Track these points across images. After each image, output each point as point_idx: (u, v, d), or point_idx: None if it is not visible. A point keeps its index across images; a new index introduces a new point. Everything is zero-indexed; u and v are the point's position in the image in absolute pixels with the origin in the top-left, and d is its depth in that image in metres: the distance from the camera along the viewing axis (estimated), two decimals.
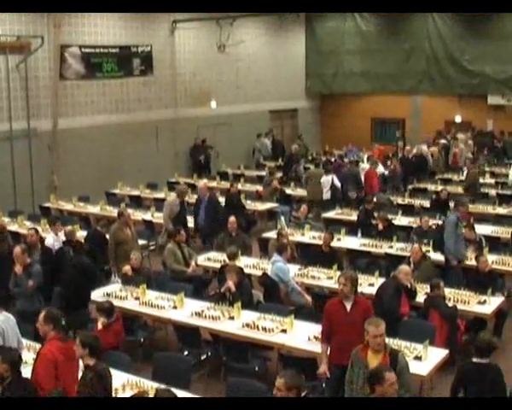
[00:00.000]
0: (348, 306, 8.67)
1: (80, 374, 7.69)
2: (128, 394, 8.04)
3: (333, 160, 24.48)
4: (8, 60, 20.47)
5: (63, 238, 13.81)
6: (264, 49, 29.30)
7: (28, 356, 9.01)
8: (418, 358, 9.18)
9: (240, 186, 21.29)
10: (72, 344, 7.86)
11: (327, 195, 19.59)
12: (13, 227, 17.04)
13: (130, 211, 16.37)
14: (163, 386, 7.56)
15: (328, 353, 8.87)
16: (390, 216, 16.17)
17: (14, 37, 20.45)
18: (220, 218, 16.04)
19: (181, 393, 8.19)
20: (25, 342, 9.49)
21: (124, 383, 8.52)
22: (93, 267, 12.50)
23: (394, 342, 9.34)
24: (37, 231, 13.58)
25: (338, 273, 12.17)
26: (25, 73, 20.93)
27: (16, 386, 7.26)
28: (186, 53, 26.01)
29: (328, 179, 19.68)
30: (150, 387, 8.29)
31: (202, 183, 17.02)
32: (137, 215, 17.83)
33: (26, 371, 8.28)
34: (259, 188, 21.28)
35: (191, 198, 18.50)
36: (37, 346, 8.99)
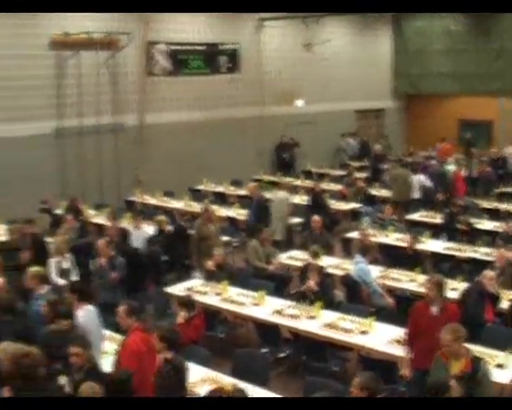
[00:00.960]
0: (434, 310, 8.55)
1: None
2: (205, 389, 8.05)
3: (421, 160, 24.16)
4: (98, 56, 20.86)
5: (148, 232, 14.00)
6: (350, 48, 29.11)
7: (110, 347, 9.14)
8: (500, 365, 8.95)
9: (324, 185, 21.18)
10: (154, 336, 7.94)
11: (416, 195, 19.39)
12: (98, 220, 17.35)
13: (214, 207, 16.47)
14: (239, 385, 7.54)
15: (411, 356, 8.75)
16: (475, 220, 15.85)
17: (104, 33, 20.81)
18: (266, 219, 15.89)
19: (259, 390, 8.19)
20: (107, 333, 9.62)
21: (202, 378, 8.56)
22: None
23: (476, 349, 9.12)
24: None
25: (420, 276, 12.02)
26: (113, 69, 21.30)
27: (92, 375, 7.34)
28: (272, 51, 26.01)
29: (417, 179, 19.50)
30: (228, 383, 8.29)
31: (252, 184, 16.85)
32: (221, 212, 17.91)
33: (107, 361, 8.41)
34: (343, 187, 21.13)
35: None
36: (119, 337, 9.11)
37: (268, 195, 17.60)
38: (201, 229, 14.20)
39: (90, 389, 6.54)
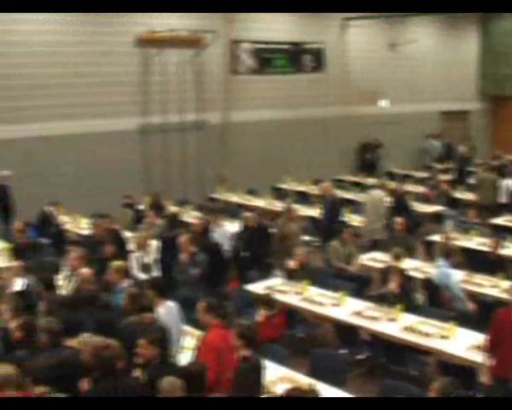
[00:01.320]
0: None
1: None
2: (283, 388, 8.07)
3: (508, 164, 23.68)
4: (182, 54, 21.11)
5: (229, 230, 14.10)
6: (436, 49, 28.73)
7: (189, 342, 9.25)
8: None
9: (407, 187, 20.96)
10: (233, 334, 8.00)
11: (502, 199, 19.05)
12: (181, 216, 17.57)
13: (295, 206, 16.49)
14: (316, 386, 7.54)
15: (492, 364, 8.62)
16: None
17: (189, 31, 21.04)
18: (339, 220, 15.74)
19: (336, 391, 8.18)
20: (186, 328, 9.74)
21: (280, 377, 8.58)
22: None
23: None
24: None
25: (504, 282, 11.80)
26: (198, 67, 21.51)
27: (161, 368, 7.46)
28: (357, 51, 25.87)
29: (505, 184, 19.18)
30: (305, 383, 8.29)
31: (325, 183, 16.71)
32: (303, 211, 17.89)
33: (186, 357, 8.52)
34: (427, 190, 20.89)
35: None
36: (198, 333, 9.21)
37: (360, 195, 17.47)
38: (283, 228, 14.25)
39: (169, 385, 6.61)
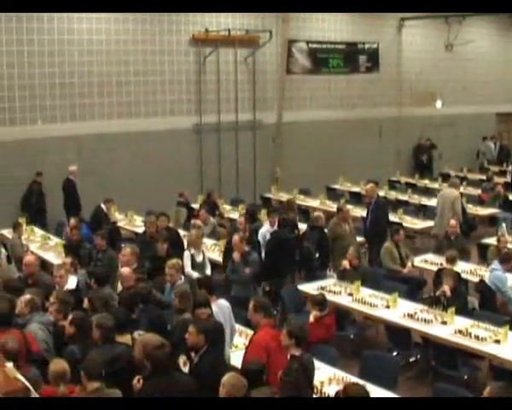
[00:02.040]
0: None
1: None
2: (333, 388, 8.07)
3: None
4: (237, 53, 21.23)
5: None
6: (493, 50, 28.38)
7: (240, 341, 9.31)
8: None
9: (462, 189, 20.72)
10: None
11: None
12: (232, 215, 17.65)
13: (349, 207, 16.45)
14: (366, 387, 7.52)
15: None
16: None
17: (244, 31, 21.13)
18: (384, 222, 15.38)
19: (386, 393, 8.15)
20: (238, 327, 9.79)
21: (330, 377, 8.58)
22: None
23: None
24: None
25: None
26: (252, 66, 21.60)
27: (208, 357, 7.53)
28: (412, 51, 25.69)
29: None
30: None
31: (369, 186, 16.51)
32: (356, 212, 17.79)
33: (237, 355, 8.57)
34: (482, 192, 20.65)
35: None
36: (249, 331, 9.26)
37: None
38: (335, 228, 14.23)
39: (235, 380, 6.65)
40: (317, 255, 13.94)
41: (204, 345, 7.70)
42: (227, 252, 12.78)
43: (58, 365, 7.11)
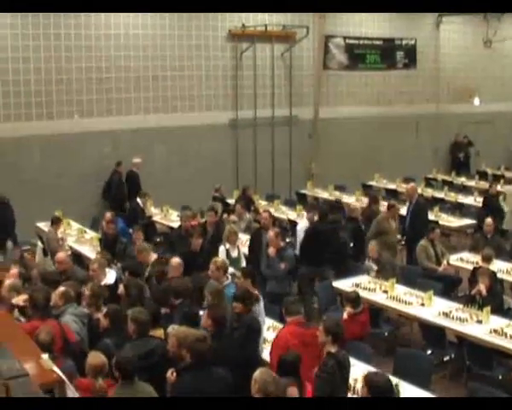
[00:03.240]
0: None
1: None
2: None
3: None
4: (274, 49, 21.24)
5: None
6: None
7: (270, 335, 9.31)
8: None
9: (499, 187, 20.54)
10: (313, 330, 8.03)
11: None
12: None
13: (384, 204, 16.38)
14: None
15: None
16: None
17: (281, 26, 21.11)
18: (424, 223, 15.04)
19: (420, 392, 8.12)
20: (270, 322, 9.79)
21: (364, 375, 8.55)
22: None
23: None
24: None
25: None
26: (289, 62, 21.60)
27: (215, 339, 7.60)
28: (450, 48, 25.51)
29: None
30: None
31: (410, 185, 16.30)
32: None
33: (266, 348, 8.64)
34: None
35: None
36: (281, 327, 9.27)
37: None
38: (383, 223, 14.14)
39: (266, 375, 6.67)
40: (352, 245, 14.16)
41: (214, 329, 7.90)
42: (252, 246, 12.94)
43: (97, 358, 7.19)
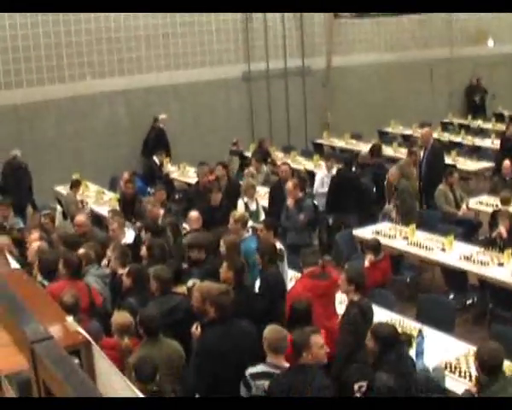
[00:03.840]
0: None
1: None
2: None
3: None
4: None
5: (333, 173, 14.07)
6: None
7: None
8: None
9: None
10: (328, 281, 8.09)
11: None
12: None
13: (401, 150, 16.30)
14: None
15: None
16: None
17: None
18: (440, 168, 14.89)
19: (444, 336, 8.14)
20: (293, 274, 9.82)
21: (387, 321, 8.55)
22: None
23: None
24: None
25: None
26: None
27: (238, 292, 7.61)
28: None
29: None
30: (413, 328, 8.29)
31: (425, 130, 16.04)
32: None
33: None
34: None
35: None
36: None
37: None
38: (406, 168, 14.04)
39: (275, 333, 6.69)
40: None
41: (232, 282, 7.91)
42: (272, 199, 12.95)
43: (123, 317, 7.24)
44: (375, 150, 15.65)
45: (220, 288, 7.31)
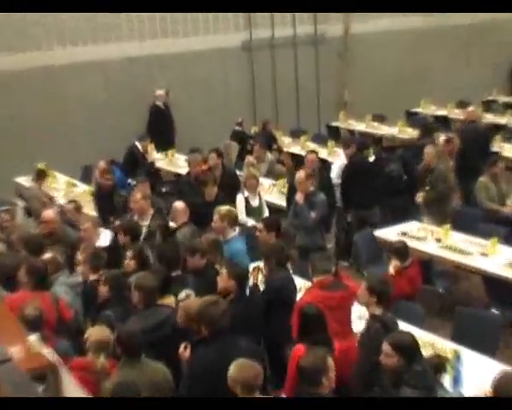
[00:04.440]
0: None
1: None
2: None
3: None
4: None
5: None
6: None
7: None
8: None
9: None
10: (341, 292, 8.11)
11: None
12: (293, 149, 17.69)
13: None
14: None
15: None
16: None
17: None
18: (484, 154, 14.94)
19: (485, 360, 8.11)
20: (301, 282, 9.73)
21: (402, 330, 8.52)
22: None
23: None
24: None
25: None
26: None
27: (239, 305, 7.69)
28: None
29: None
30: (448, 349, 8.26)
31: (470, 109, 15.97)
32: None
33: None
34: None
35: None
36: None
37: None
38: (442, 153, 14.02)
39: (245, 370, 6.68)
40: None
41: (234, 291, 7.97)
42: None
43: (101, 332, 7.25)
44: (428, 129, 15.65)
45: (206, 299, 7.28)
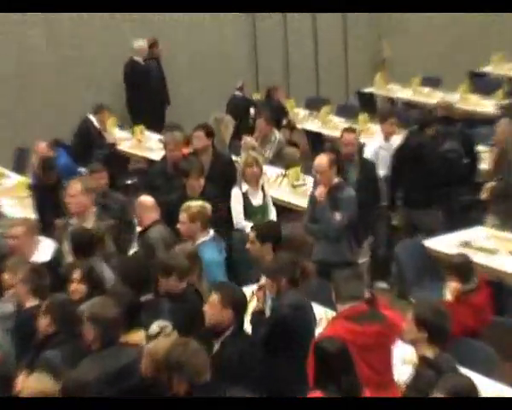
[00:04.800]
0: None
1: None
2: None
3: None
4: None
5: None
6: None
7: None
8: None
9: None
10: (380, 326, 8.05)
11: None
12: (309, 125, 17.69)
13: None
14: None
15: None
16: None
17: None
18: None
19: None
20: (319, 311, 9.74)
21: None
22: None
23: None
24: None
25: None
26: None
27: (236, 340, 7.80)
28: None
29: None
30: None
31: None
32: None
33: None
34: None
35: None
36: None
37: None
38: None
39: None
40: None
41: (230, 325, 7.97)
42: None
43: (41, 382, 7.17)
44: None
45: (177, 341, 7.27)
